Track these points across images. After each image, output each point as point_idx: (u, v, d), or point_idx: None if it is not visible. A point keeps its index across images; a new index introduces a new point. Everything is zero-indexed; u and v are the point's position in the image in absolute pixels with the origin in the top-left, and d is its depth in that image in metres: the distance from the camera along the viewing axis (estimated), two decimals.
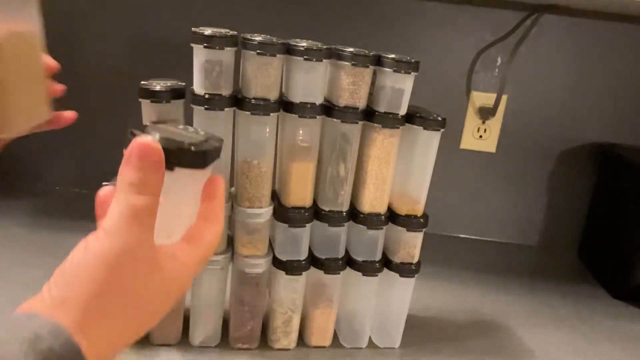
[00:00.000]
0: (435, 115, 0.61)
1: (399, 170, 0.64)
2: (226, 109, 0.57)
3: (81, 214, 0.95)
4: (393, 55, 0.59)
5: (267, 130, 0.59)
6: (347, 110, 0.59)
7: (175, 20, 0.97)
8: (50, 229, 0.88)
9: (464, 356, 0.69)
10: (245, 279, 0.63)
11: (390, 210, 0.65)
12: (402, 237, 0.65)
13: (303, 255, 0.63)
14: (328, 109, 0.60)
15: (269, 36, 0.57)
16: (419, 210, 0.65)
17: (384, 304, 0.68)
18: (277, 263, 0.63)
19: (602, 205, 1.01)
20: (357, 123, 0.60)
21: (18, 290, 0.70)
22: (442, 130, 0.62)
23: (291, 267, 0.62)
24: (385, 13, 0.97)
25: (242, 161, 0.60)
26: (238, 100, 0.58)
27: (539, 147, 1.03)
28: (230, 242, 0.64)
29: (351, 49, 0.58)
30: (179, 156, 0.33)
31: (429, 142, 0.63)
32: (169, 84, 0.57)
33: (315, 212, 0.63)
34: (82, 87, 1.01)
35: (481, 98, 1.00)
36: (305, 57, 0.56)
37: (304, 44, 0.57)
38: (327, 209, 0.63)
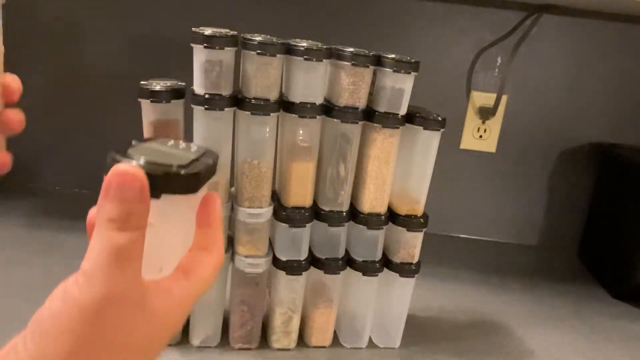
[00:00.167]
0: (435, 115, 0.61)
1: (399, 170, 0.64)
2: (226, 109, 0.57)
3: (81, 214, 0.95)
4: (393, 55, 0.59)
5: (267, 130, 0.59)
6: (347, 110, 0.59)
7: (175, 20, 0.97)
8: (50, 229, 0.88)
9: (464, 356, 0.69)
10: (245, 279, 0.63)
11: (390, 210, 0.65)
12: (402, 237, 0.65)
13: (303, 255, 0.63)
14: (328, 108, 0.60)
15: (269, 36, 0.57)
16: (419, 210, 0.65)
17: (384, 304, 0.68)
18: (277, 263, 0.63)
19: (602, 205, 1.01)
20: (357, 123, 0.60)
21: (18, 290, 0.70)
22: (442, 130, 0.62)
23: (291, 267, 0.62)
24: (385, 13, 0.97)
25: (242, 161, 0.60)
26: (238, 100, 0.58)
27: (539, 147, 1.03)
28: (230, 242, 0.64)
29: (351, 49, 0.58)
30: (165, 182, 0.29)
31: (429, 142, 0.63)
32: (169, 84, 0.57)
33: (315, 212, 0.63)
34: (82, 87, 1.01)
35: (481, 98, 1.00)
36: (305, 57, 0.56)
37: (304, 44, 0.57)
38: (327, 209, 0.63)
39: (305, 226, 0.62)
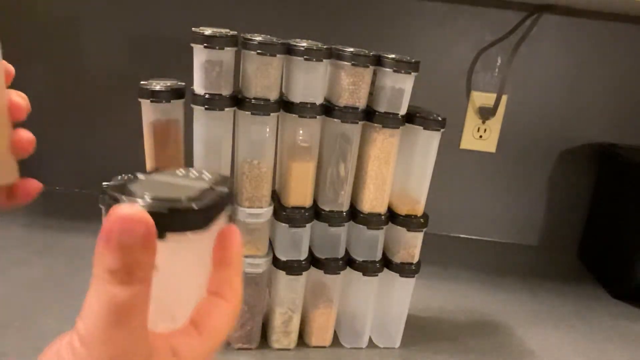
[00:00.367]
0: (435, 115, 0.61)
1: (399, 170, 0.64)
2: (226, 109, 0.57)
3: (81, 214, 0.95)
4: (393, 55, 0.59)
5: (267, 130, 0.59)
6: (347, 110, 0.59)
7: (175, 20, 0.97)
8: (50, 229, 0.88)
9: (464, 356, 0.69)
10: (245, 279, 0.62)
11: (390, 210, 0.65)
12: (402, 237, 0.65)
13: (303, 255, 0.63)
14: (328, 108, 0.60)
15: (269, 36, 0.57)
16: (419, 210, 0.65)
17: (384, 304, 0.68)
18: (277, 263, 0.63)
19: (602, 205, 1.01)
20: (357, 123, 0.60)
21: (18, 290, 0.70)
22: (442, 130, 0.62)
23: (291, 267, 0.62)
24: (385, 13, 0.97)
25: (242, 161, 0.60)
26: (238, 100, 0.58)
27: (539, 147, 1.04)
28: None
29: (351, 49, 0.58)
30: (172, 219, 0.25)
31: (429, 142, 0.63)
32: (169, 84, 0.57)
33: (315, 212, 0.63)
34: (82, 87, 1.01)
35: (481, 98, 1.00)
36: (305, 57, 0.56)
37: (304, 44, 0.57)
38: (327, 209, 0.63)
39: (305, 226, 0.62)
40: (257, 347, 0.65)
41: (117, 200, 0.24)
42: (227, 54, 0.55)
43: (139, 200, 0.24)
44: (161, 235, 0.24)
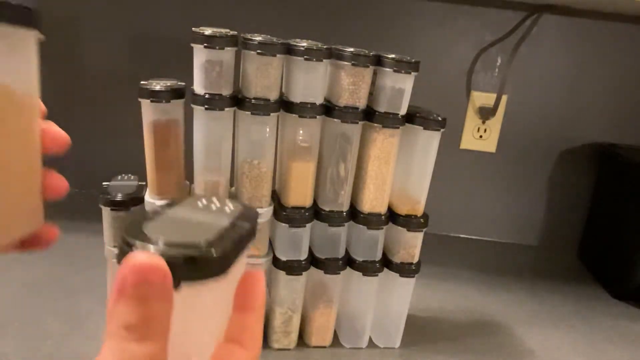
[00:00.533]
0: (435, 115, 0.61)
1: (399, 170, 0.64)
2: (226, 109, 0.57)
3: (81, 214, 0.95)
4: (393, 55, 0.59)
5: (267, 130, 0.59)
6: (347, 110, 0.59)
7: (175, 20, 0.97)
8: None
9: (464, 356, 0.69)
10: None
11: (390, 210, 0.65)
12: (402, 237, 0.65)
13: (303, 255, 0.63)
14: (328, 108, 0.60)
15: (269, 36, 0.57)
16: (419, 210, 0.65)
17: (384, 304, 0.68)
18: (277, 263, 0.63)
19: (602, 205, 1.01)
20: (357, 123, 0.60)
21: (18, 290, 0.70)
22: (442, 130, 0.62)
23: (291, 267, 0.62)
24: (385, 13, 0.97)
25: (242, 161, 0.60)
26: (238, 100, 0.58)
27: (539, 147, 1.04)
28: None
29: (351, 49, 0.58)
30: (188, 269, 0.22)
31: (429, 142, 0.63)
32: (169, 84, 0.57)
33: (315, 212, 0.63)
34: (82, 87, 1.01)
35: (481, 98, 1.00)
36: (305, 57, 0.56)
37: (304, 44, 0.57)
38: (327, 209, 0.63)
39: (305, 226, 0.62)
40: None
41: (130, 246, 0.22)
42: (227, 54, 0.55)
43: (152, 246, 0.22)
44: (176, 285, 0.22)
